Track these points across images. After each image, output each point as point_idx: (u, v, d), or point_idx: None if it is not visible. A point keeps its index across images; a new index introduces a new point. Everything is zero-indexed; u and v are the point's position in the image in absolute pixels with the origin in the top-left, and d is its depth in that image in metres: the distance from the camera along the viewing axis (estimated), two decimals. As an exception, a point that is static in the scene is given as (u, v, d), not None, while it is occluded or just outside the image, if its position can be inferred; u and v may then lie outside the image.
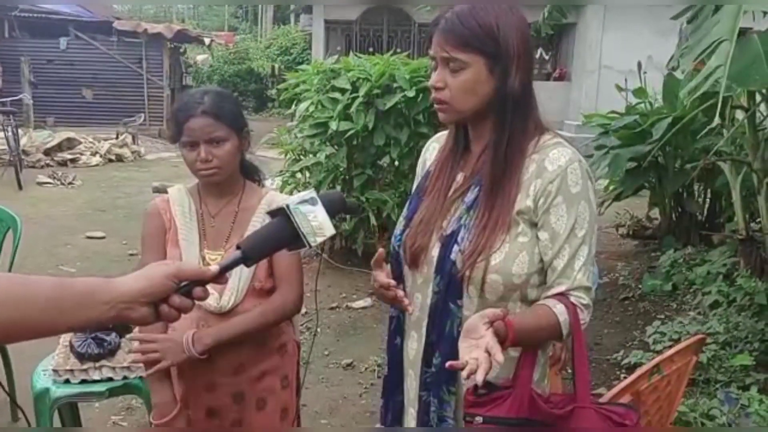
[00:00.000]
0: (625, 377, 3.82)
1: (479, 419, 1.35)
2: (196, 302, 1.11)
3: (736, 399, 3.20)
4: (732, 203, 4.88)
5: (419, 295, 1.48)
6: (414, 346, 1.50)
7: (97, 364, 2.59)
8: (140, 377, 2.65)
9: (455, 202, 1.46)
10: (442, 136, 1.59)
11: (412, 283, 1.50)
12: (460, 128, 1.49)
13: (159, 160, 11.79)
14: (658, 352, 3.90)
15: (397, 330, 1.56)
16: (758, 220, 4.80)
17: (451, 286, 1.38)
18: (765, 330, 3.75)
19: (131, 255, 6.14)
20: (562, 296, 1.35)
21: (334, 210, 1.31)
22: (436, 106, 1.43)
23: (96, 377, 2.57)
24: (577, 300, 1.36)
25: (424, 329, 1.45)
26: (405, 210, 1.57)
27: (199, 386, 1.89)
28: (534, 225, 1.38)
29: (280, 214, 1.25)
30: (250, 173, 2.02)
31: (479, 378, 1.13)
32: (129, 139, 12.60)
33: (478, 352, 1.16)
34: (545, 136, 1.42)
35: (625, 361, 3.94)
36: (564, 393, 1.41)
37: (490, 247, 1.35)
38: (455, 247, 1.39)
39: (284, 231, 1.24)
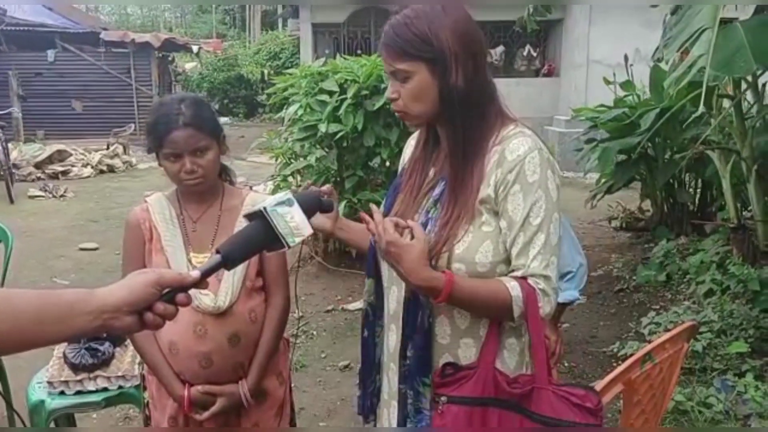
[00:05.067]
0: (621, 369, 3.84)
1: (444, 398, 1.41)
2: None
3: (733, 386, 3.21)
4: (722, 192, 4.90)
5: (395, 288, 1.51)
6: (393, 338, 1.53)
7: (92, 375, 2.58)
8: (136, 386, 2.65)
9: (426, 196, 1.50)
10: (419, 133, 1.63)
11: (389, 276, 1.53)
12: (430, 127, 1.53)
13: (151, 170, 11.73)
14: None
15: (366, 322, 1.61)
16: (749, 207, 4.82)
17: None
18: (759, 316, 3.76)
19: (125, 265, 6.11)
20: (519, 278, 1.38)
21: (310, 210, 1.33)
22: (397, 114, 1.49)
23: (91, 388, 2.57)
24: (535, 284, 1.37)
25: (400, 322, 1.48)
26: (382, 207, 1.60)
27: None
28: (496, 214, 1.40)
29: (258, 216, 1.26)
30: (223, 174, 2.03)
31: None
32: (120, 150, 12.57)
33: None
34: (508, 127, 1.44)
35: (622, 352, 3.94)
36: (525, 374, 1.43)
37: (453, 237, 1.39)
38: None
39: (262, 233, 1.25)
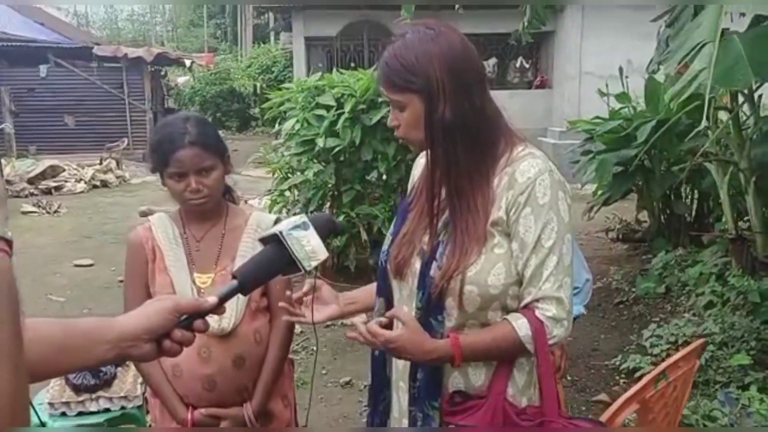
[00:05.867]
0: (624, 382, 3.83)
1: (453, 428, 1.40)
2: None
3: (737, 399, 3.20)
4: (719, 203, 4.92)
5: (406, 307, 1.50)
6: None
7: (94, 395, 2.56)
8: (138, 406, 2.62)
9: (436, 217, 1.49)
10: None
11: (400, 295, 1.53)
12: None
13: (144, 184, 11.71)
14: (656, 356, 3.91)
15: None
16: (746, 218, 4.84)
17: (431, 302, 1.40)
18: (761, 328, 3.76)
19: (121, 281, 6.01)
20: (527, 310, 1.38)
21: (325, 233, 1.31)
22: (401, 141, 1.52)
23: (93, 409, 2.54)
24: (542, 313, 1.37)
25: None
26: (392, 226, 1.61)
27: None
28: (508, 236, 1.40)
29: (273, 240, 1.25)
30: (227, 194, 2.02)
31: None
32: (113, 165, 12.54)
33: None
34: (517, 148, 1.44)
35: (624, 365, 3.93)
36: (536, 406, 1.42)
37: (465, 261, 1.38)
38: (434, 264, 1.42)
39: (278, 257, 1.24)
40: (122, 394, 2.57)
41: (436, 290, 1.39)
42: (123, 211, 9.50)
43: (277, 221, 1.91)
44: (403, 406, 1.53)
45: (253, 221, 1.94)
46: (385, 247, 1.58)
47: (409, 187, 1.68)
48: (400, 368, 1.53)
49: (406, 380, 1.50)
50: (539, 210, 1.37)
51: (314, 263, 1.23)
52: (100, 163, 12.39)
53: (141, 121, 15.09)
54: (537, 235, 1.36)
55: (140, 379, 2.58)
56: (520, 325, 1.36)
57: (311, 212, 5.47)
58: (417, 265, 1.46)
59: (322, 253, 1.24)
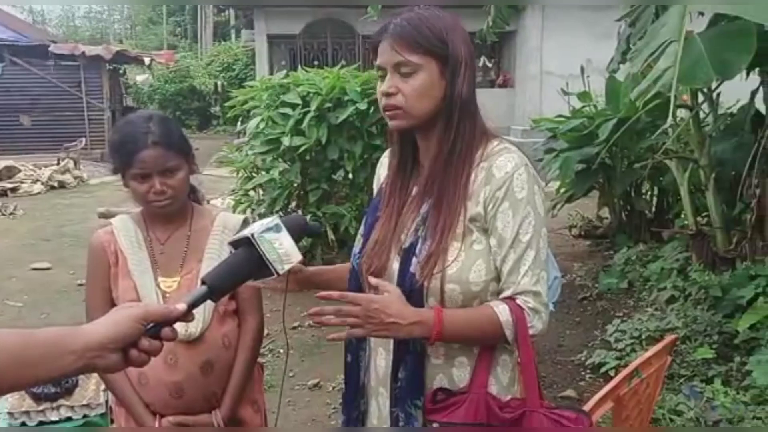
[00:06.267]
0: (590, 377, 3.87)
1: (436, 425, 1.38)
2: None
3: (701, 393, 3.26)
4: (679, 200, 5.01)
5: None
6: (382, 363, 1.49)
7: (55, 404, 2.48)
8: (101, 414, 2.55)
9: (411, 215, 1.46)
10: None
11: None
12: (405, 142, 1.50)
13: (103, 185, 11.48)
14: (621, 350, 3.95)
15: (349, 347, 1.55)
16: (705, 214, 4.94)
17: (411, 300, 1.36)
18: (722, 322, 3.83)
19: (80, 285, 5.93)
20: (508, 299, 1.37)
21: (298, 235, 1.28)
22: (386, 113, 1.41)
23: (54, 418, 2.47)
24: (524, 303, 1.36)
25: (391, 345, 1.44)
26: (362, 227, 1.56)
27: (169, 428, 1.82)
28: (486, 232, 1.39)
29: (244, 243, 1.21)
30: (192, 194, 1.96)
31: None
32: (71, 165, 12.27)
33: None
34: (493, 143, 1.43)
35: (590, 361, 3.97)
36: (517, 398, 1.41)
37: (444, 253, 1.36)
38: (414, 260, 1.39)
39: (250, 261, 1.21)
40: (84, 402, 2.50)
41: (417, 285, 1.36)
42: (81, 213, 9.29)
43: (244, 221, 1.87)
44: (383, 412, 1.49)
45: (220, 222, 1.88)
46: (356, 249, 1.54)
47: (375, 186, 1.65)
48: (380, 374, 1.49)
49: (387, 385, 1.46)
50: (517, 204, 1.36)
51: (287, 266, 1.20)
52: (58, 164, 12.10)
53: (99, 120, 14.82)
54: (515, 230, 1.36)
55: (103, 387, 2.51)
56: (501, 311, 1.34)
57: (277, 212, 5.41)
58: (396, 265, 1.43)
59: (296, 256, 1.22)
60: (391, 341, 1.44)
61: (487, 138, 1.44)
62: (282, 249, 1.20)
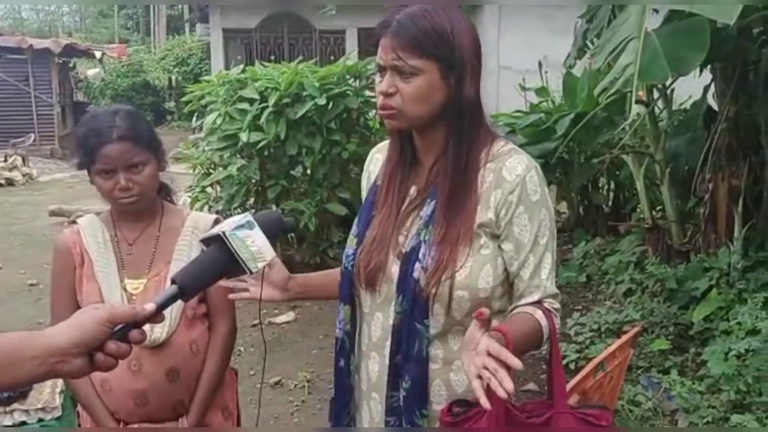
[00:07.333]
0: (551, 371, 3.91)
1: None
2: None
3: (658, 383, 3.32)
4: (636, 194, 5.10)
5: (380, 314, 1.41)
6: (375, 368, 1.43)
7: (8, 408, 2.39)
8: (57, 418, 2.47)
9: (410, 216, 1.40)
10: (384, 146, 1.52)
11: (371, 303, 1.43)
12: (404, 138, 1.43)
13: (53, 182, 11.20)
14: (581, 343, 4.00)
15: (341, 352, 1.49)
16: (658, 208, 5.04)
17: (416, 306, 1.32)
18: (678, 313, 3.92)
19: (31, 285, 5.77)
20: (537, 303, 1.34)
21: (272, 232, 1.24)
22: (382, 112, 1.35)
23: (7, 423, 2.38)
24: (550, 305, 1.35)
25: (386, 350, 1.39)
26: (354, 227, 1.49)
27: (137, 428, 1.77)
28: (495, 237, 1.34)
29: (216, 241, 1.17)
30: (162, 192, 1.90)
31: (507, 387, 1.05)
32: (19, 161, 11.93)
33: (481, 359, 1.08)
34: (498, 143, 1.38)
35: (550, 354, 4.01)
36: (537, 401, 1.38)
37: (453, 261, 1.31)
38: (417, 265, 1.33)
39: (222, 259, 1.17)
40: (39, 406, 2.41)
41: (423, 293, 1.31)
42: (31, 211, 9.03)
43: (216, 221, 1.80)
44: (375, 417, 1.45)
45: (191, 222, 1.82)
46: (349, 250, 1.46)
47: (363, 183, 1.58)
48: (373, 378, 1.45)
49: (382, 390, 1.41)
50: (533, 208, 1.32)
51: (261, 264, 1.17)
52: (5, 161, 11.76)
53: (48, 115, 14.45)
54: (534, 234, 1.33)
55: (59, 389, 2.43)
56: (540, 316, 1.30)
57: (235, 209, 5.34)
58: (394, 268, 1.37)
59: (269, 254, 1.18)
60: (387, 345, 1.39)
61: (492, 138, 1.39)
62: (254, 247, 1.17)
